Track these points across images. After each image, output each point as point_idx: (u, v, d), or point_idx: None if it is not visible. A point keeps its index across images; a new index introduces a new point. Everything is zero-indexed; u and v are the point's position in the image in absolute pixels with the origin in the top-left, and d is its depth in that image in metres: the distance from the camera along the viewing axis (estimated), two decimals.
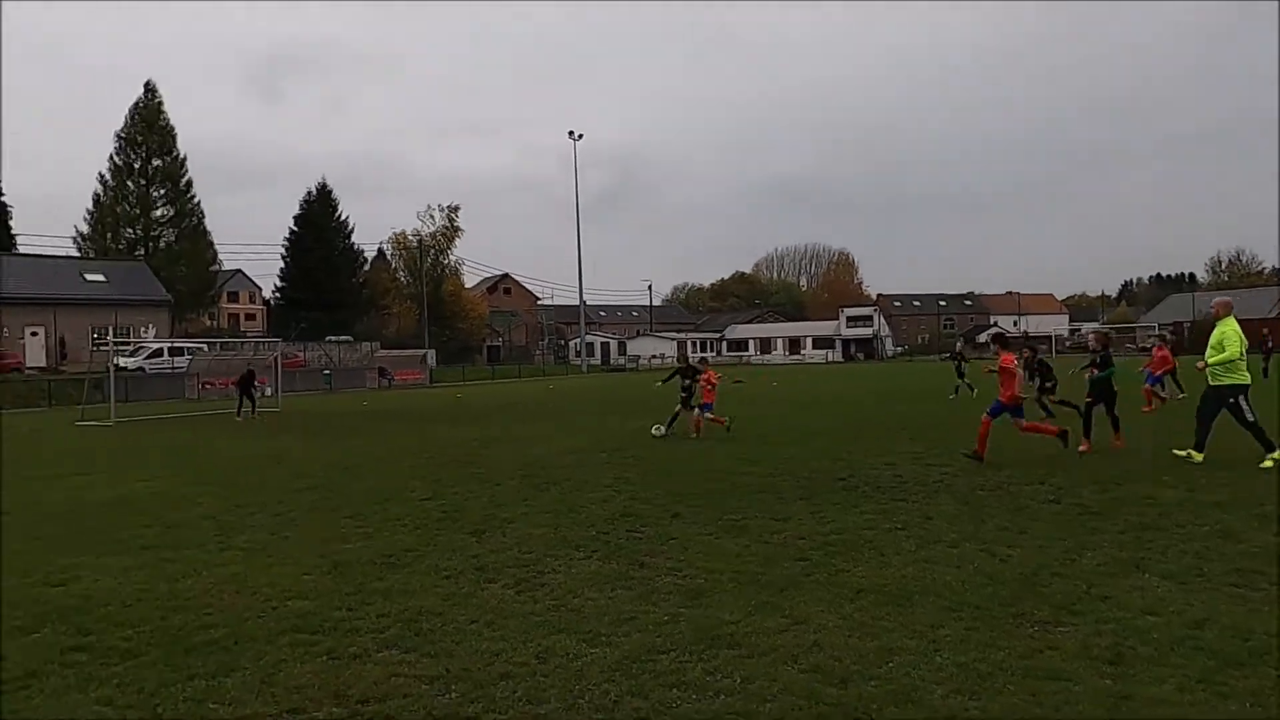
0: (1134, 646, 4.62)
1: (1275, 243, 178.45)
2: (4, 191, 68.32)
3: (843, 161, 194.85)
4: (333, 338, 63.17)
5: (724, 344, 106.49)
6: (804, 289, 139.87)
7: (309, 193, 78.74)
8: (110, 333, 49.77)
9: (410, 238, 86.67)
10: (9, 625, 5.59)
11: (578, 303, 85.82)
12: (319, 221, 77.01)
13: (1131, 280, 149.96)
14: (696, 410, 16.34)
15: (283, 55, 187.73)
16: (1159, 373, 18.97)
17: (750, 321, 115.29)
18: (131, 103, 67.91)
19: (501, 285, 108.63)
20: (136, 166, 67.28)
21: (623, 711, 4.03)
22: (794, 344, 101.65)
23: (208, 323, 79.48)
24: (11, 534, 8.73)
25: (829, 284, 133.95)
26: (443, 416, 25.31)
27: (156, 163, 67.71)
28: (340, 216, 79.81)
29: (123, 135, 67.14)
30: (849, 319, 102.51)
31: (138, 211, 67.50)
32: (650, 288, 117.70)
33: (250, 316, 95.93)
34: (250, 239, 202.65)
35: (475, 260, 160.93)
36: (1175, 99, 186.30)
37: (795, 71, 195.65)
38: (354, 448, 16.59)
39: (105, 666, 4.79)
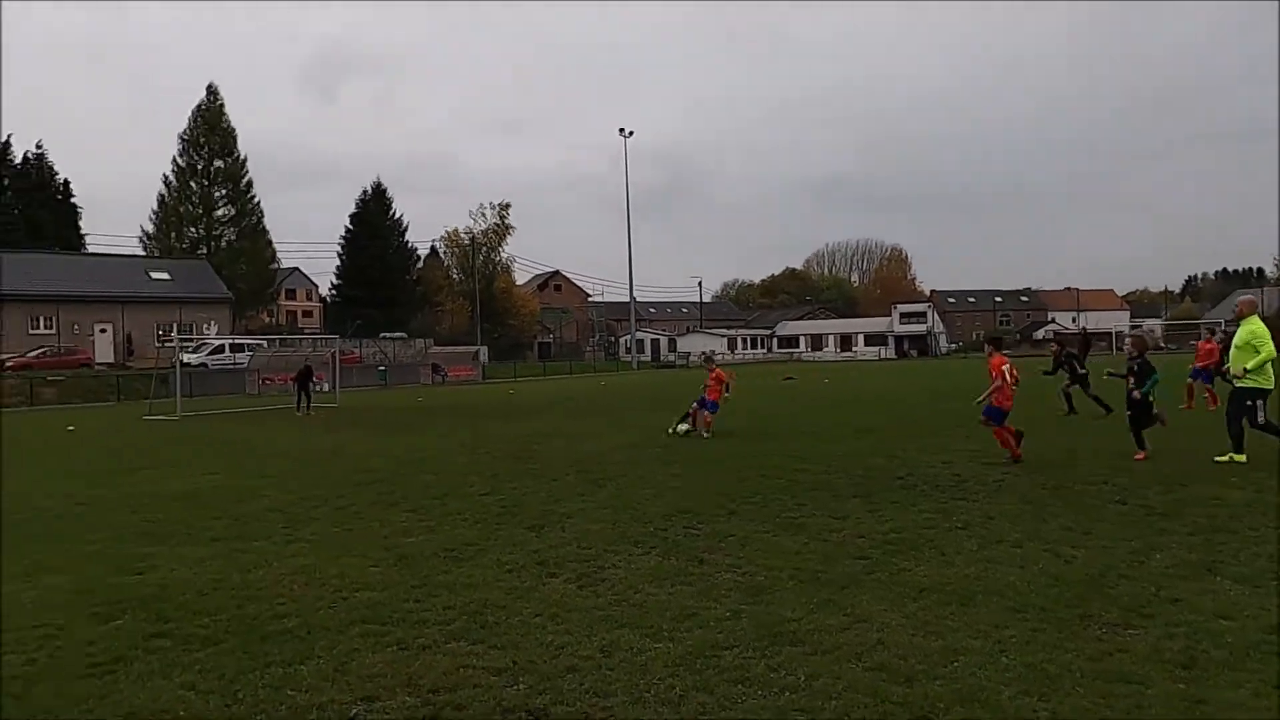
0: (1207, 650, 4.53)
1: None
2: (74, 193, 70.59)
3: (895, 156, 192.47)
4: (387, 334, 64.22)
5: (774, 341, 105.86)
6: (856, 285, 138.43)
7: (364, 192, 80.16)
8: (175, 330, 51.21)
9: (462, 236, 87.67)
10: (89, 611, 5.82)
11: (628, 299, 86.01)
12: (374, 220, 78.27)
13: (1196, 275, 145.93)
14: (704, 409, 16.32)
15: (338, 56, 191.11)
16: (1201, 365, 17.86)
17: (801, 318, 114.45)
18: (194, 105, 69.88)
19: (552, 282, 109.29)
20: (199, 167, 69.15)
21: (689, 706, 4.08)
22: (846, 341, 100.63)
23: (266, 319, 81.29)
24: (90, 524, 9.07)
25: (881, 280, 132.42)
26: (496, 412, 25.59)
27: (218, 163, 69.53)
28: (394, 215, 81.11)
29: (186, 137, 69.08)
30: (902, 315, 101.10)
31: (200, 211, 69.37)
32: (700, 284, 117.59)
33: (307, 313, 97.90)
34: (307, 237, 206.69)
35: (526, 257, 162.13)
36: (1241, 90, 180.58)
37: (846, 67, 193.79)
38: (411, 443, 16.87)
39: (186, 653, 4.97)
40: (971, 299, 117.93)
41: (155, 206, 68.95)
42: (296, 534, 8.28)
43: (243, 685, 4.46)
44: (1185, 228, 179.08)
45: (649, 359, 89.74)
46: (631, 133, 77.69)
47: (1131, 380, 11.58)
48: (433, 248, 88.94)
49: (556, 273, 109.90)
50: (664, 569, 6.55)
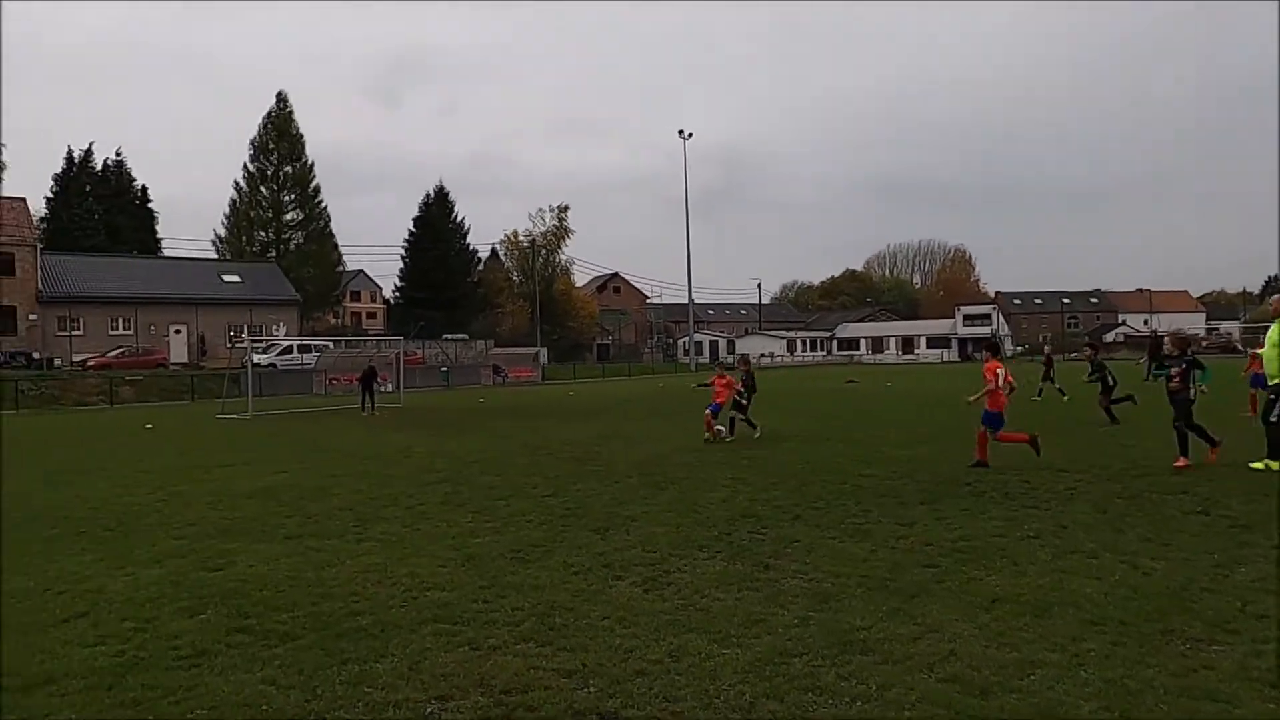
0: None
1: None
2: (151, 199, 73.11)
3: (958, 155, 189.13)
4: (449, 336, 65.17)
5: (835, 343, 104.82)
6: (918, 287, 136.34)
7: (427, 195, 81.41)
8: (245, 331, 52.66)
9: (522, 239, 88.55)
10: (175, 605, 6.03)
11: (686, 301, 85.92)
12: (436, 223, 79.47)
13: (1276, 275, 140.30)
14: (710, 411, 16.28)
15: (403, 62, 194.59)
16: (1259, 371, 17.28)
17: (862, 320, 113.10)
18: (265, 112, 71.86)
19: (611, 284, 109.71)
20: (269, 173, 71.10)
21: (759, 713, 4.07)
22: (907, 343, 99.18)
23: (332, 321, 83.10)
24: (172, 520, 9.39)
25: (944, 281, 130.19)
26: (556, 413, 25.79)
27: (287, 169, 71.39)
28: (456, 218, 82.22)
29: (256, 143, 71.04)
30: (965, 317, 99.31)
31: (270, 215, 71.32)
32: (759, 286, 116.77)
33: (371, 315, 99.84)
34: (371, 240, 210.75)
35: (585, 259, 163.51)
36: None
37: (907, 65, 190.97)
38: (475, 443, 17.10)
39: (266, 648, 5.11)
40: (1038, 300, 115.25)
41: (227, 211, 71.21)
42: (367, 532, 8.46)
43: (321, 681, 4.58)
44: (1266, 227, 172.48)
45: (707, 361, 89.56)
46: (690, 134, 77.40)
47: (1176, 381, 11.12)
48: (493, 250, 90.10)
49: (615, 274, 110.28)
50: (730, 574, 6.54)
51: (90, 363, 47.39)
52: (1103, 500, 9.06)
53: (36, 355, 48.50)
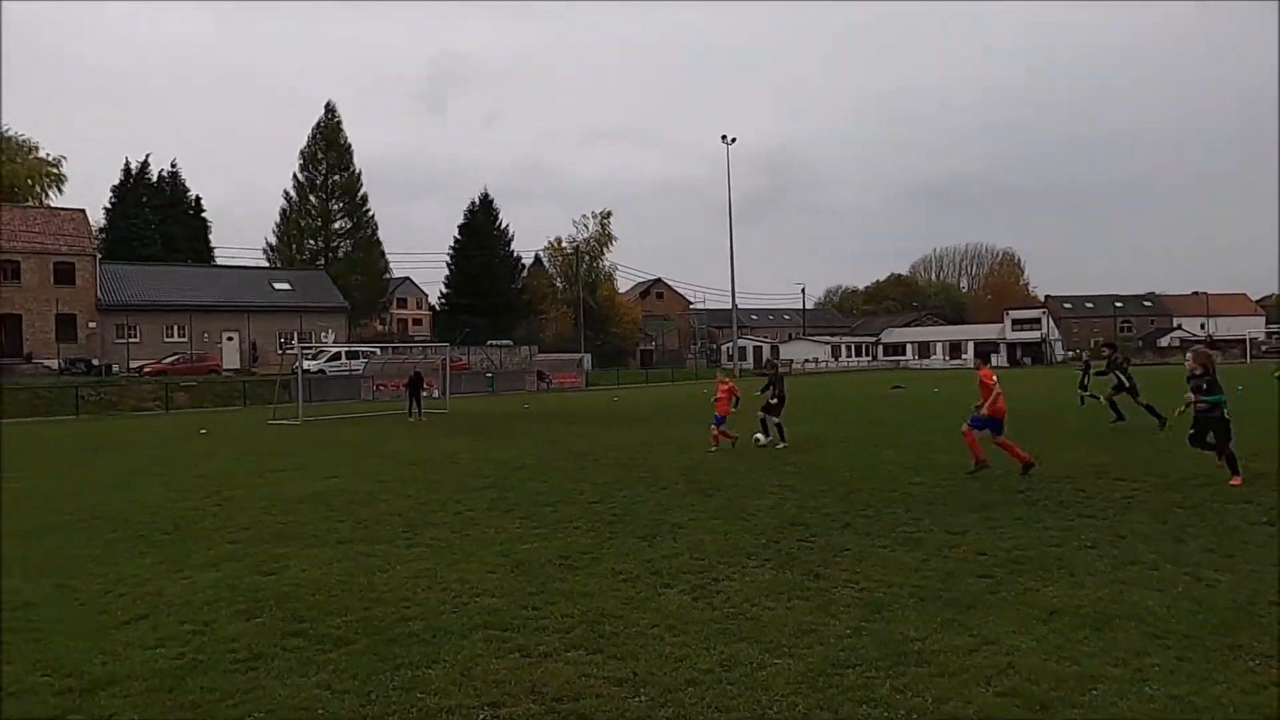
0: None
1: None
2: (205, 209, 74.76)
3: (1006, 156, 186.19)
4: (494, 342, 65.72)
5: (880, 348, 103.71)
6: (964, 291, 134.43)
7: (472, 203, 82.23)
8: (295, 338, 53.61)
9: (565, 245, 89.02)
10: (233, 609, 6.14)
11: (729, 306, 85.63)
12: (481, 230, 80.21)
13: None
14: (716, 423, 16.13)
15: (448, 70, 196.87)
16: None
17: (908, 325, 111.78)
18: (314, 122, 73.16)
19: (654, 290, 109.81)
20: (318, 182, 72.32)
21: None
22: (954, 348, 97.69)
23: (379, 327, 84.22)
24: (227, 524, 9.56)
25: (992, 285, 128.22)
26: (601, 419, 25.84)
27: (336, 178, 72.55)
28: (501, 225, 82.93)
29: (306, 153, 72.35)
30: (1014, 322, 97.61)
31: (319, 223, 72.55)
32: (803, 290, 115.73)
33: (417, 321, 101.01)
34: (417, 247, 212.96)
35: (628, 265, 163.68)
36: None
37: (951, 65, 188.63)
38: (521, 449, 17.19)
39: (321, 653, 5.18)
40: (1089, 304, 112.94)
41: (278, 219, 72.61)
42: (416, 538, 8.53)
43: (375, 686, 4.63)
44: None
45: (751, 366, 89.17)
46: (734, 139, 77.04)
47: (1196, 400, 10.28)
48: (537, 257, 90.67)
49: (658, 280, 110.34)
50: (779, 582, 6.48)
51: (146, 369, 48.62)
52: (1162, 510, 8.83)
53: (96, 362, 49.83)
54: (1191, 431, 10.49)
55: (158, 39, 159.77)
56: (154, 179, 71.65)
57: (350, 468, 14.85)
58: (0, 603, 6.46)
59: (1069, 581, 6.28)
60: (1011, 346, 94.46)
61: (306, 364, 46.93)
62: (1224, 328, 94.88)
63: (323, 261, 70.85)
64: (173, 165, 74.03)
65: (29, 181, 71.79)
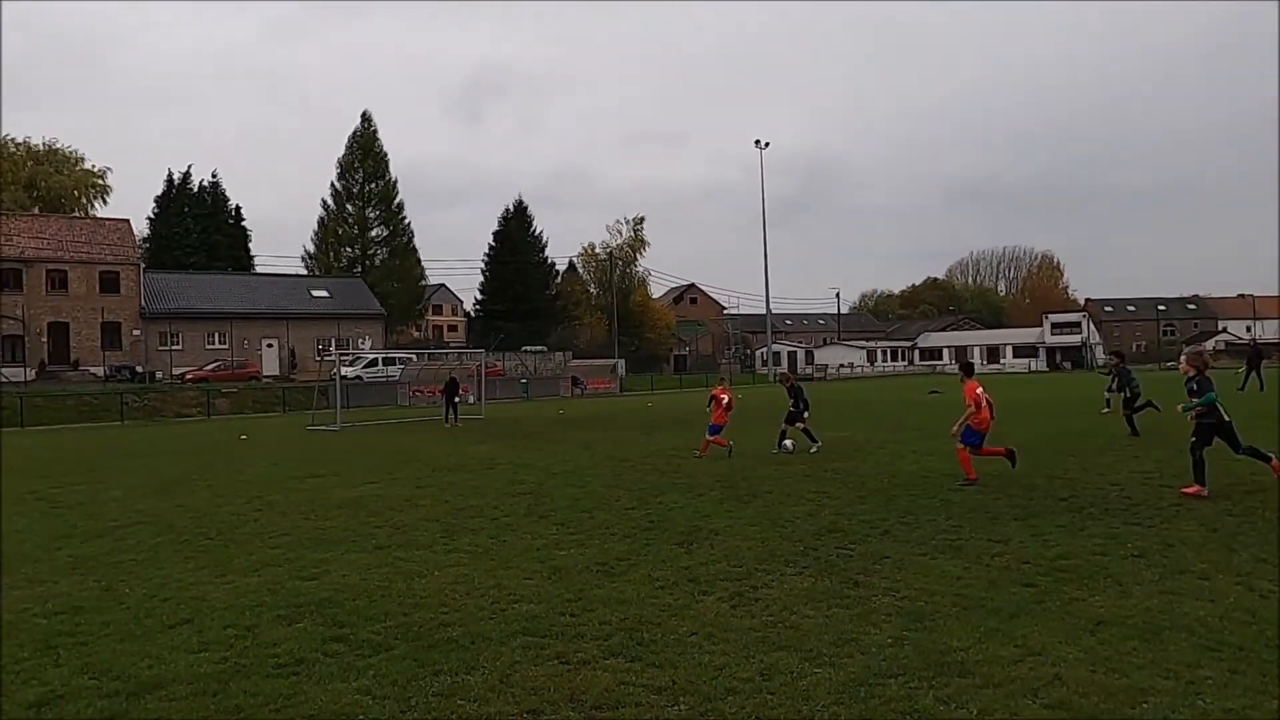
0: None
1: None
2: (245, 218, 76.02)
3: (1044, 158, 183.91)
4: (529, 348, 66.05)
5: (916, 353, 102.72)
6: (1002, 295, 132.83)
7: (506, 210, 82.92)
8: (333, 344, 54.27)
9: (599, 251, 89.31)
10: (274, 614, 6.19)
11: (764, 312, 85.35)
12: (515, 237, 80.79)
13: None
14: (710, 433, 15.96)
15: (483, 78, 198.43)
16: None
17: (944, 329, 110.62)
18: (350, 132, 74.12)
19: (688, 295, 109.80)
20: (355, 190, 73.30)
21: None
22: (992, 352, 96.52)
23: (415, 334, 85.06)
24: (268, 529, 9.68)
25: (1031, 288, 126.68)
26: (636, 424, 25.83)
27: (372, 186, 73.46)
28: (535, 231, 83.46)
29: (343, 162, 73.32)
30: (1054, 325, 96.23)
31: (356, 231, 73.53)
32: (838, 295, 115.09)
33: (453, 328, 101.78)
34: (452, 253, 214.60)
35: (661, 270, 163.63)
36: None
37: (989, 66, 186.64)
38: (557, 454, 17.23)
39: (360, 658, 5.21)
40: (1131, 307, 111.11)
41: (316, 228, 73.63)
42: (454, 544, 8.57)
43: (414, 692, 4.64)
44: None
45: (785, 369, 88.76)
46: (767, 144, 76.85)
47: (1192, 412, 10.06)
48: (570, 263, 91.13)
49: (692, 285, 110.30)
50: (819, 590, 6.42)
51: (188, 376, 49.48)
52: (1212, 518, 8.62)
53: (139, 369, 50.82)
54: (1193, 439, 10.22)
55: (201, 47, 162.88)
56: (195, 189, 73.01)
57: (387, 473, 14.97)
58: (0, 603, 6.63)
59: (1116, 591, 6.15)
60: (1051, 351, 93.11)
61: (344, 370, 47.50)
62: (1271, 331, 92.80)
63: (360, 269, 71.75)
64: (213, 175, 75.52)
65: (75, 193, 73.52)
